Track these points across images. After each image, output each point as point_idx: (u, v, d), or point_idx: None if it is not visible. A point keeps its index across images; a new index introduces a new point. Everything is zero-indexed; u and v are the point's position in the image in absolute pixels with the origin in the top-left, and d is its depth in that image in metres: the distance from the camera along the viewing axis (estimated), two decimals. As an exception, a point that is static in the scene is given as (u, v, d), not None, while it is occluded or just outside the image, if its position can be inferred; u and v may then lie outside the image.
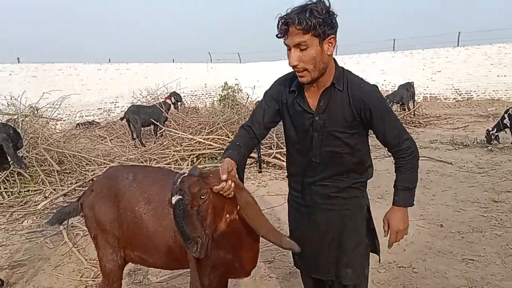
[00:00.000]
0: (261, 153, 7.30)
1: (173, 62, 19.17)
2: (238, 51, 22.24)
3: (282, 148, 7.86)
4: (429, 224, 4.48)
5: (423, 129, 10.96)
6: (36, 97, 10.47)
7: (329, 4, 1.72)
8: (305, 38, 1.70)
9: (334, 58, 1.86)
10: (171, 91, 11.94)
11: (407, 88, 13.38)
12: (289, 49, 1.77)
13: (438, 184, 5.92)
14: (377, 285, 3.28)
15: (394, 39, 18.96)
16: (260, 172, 7.12)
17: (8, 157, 3.89)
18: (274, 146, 8.01)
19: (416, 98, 14.42)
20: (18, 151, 4.04)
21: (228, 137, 8.25)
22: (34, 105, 9.98)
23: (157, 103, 10.98)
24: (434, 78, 17.60)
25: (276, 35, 1.79)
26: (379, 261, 2.34)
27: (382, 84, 18.41)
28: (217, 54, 21.95)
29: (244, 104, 11.23)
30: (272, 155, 7.68)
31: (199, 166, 2.60)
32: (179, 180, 1.70)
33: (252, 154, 7.62)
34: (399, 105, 12.90)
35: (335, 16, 1.74)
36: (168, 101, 11.02)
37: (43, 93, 10.37)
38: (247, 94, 11.31)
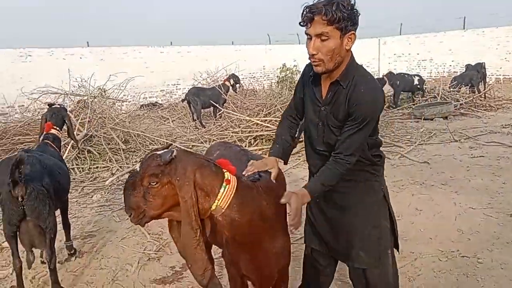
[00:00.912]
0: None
1: (232, 44, 19.32)
2: (297, 31, 21.84)
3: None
4: (497, 213, 4.22)
5: (494, 113, 10.26)
6: (103, 79, 11.04)
7: (354, 1, 1.78)
8: (327, 30, 1.75)
9: (352, 55, 1.90)
10: (230, 74, 12.06)
11: (478, 69, 12.55)
12: (309, 38, 1.82)
13: (510, 170, 5.55)
14: (437, 273, 3.18)
15: (464, 17, 17.79)
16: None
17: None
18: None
19: (487, 79, 13.51)
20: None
21: (286, 119, 8.24)
22: (102, 86, 10.54)
23: (216, 85, 11.16)
24: (509, 58, 16.35)
25: (299, 23, 1.83)
26: (398, 251, 2.27)
27: (450, 65, 17.42)
28: (275, 36, 21.72)
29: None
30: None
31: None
32: (149, 155, 1.72)
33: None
34: (468, 87, 12.13)
35: (358, 14, 1.79)
36: (227, 83, 11.16)
37: (110, 75, 10.91)
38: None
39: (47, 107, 4.03)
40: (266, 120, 8.38)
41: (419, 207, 4.52)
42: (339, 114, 1.89)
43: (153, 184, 1.65)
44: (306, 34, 1.82)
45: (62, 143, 4.63)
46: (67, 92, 9.80)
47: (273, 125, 8.24)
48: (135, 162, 7.21)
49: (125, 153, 7.55)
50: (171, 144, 4.46)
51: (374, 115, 1.87)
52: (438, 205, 4.56)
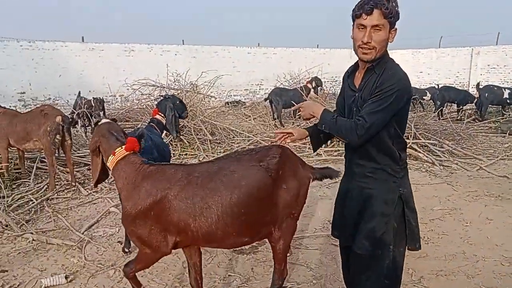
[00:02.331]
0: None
1: (317, 47, 19.62)
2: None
3: (419, 139, 7.77)
4: None
5: None
6: (194, 75, 11.98)
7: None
8: (382, 22, 1.97)
9: (386, 49, 2.10)
10: (312, 76, 12.43)
11: None
12: (362, 28, 2.01)
13: None
14: (497, 275, 3.34)
15: None
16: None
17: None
18: (411, 136, 7.95)
19: None
20: (180, 121, 4.69)
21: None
22: (194, 82, 11.46)
23: (298, 87, 11.59)
24: None
25: (355, 14, 2.02)
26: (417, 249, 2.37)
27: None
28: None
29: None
30: (408, 145, 7.64)
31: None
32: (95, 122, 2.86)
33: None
34: None
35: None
36: (309, 85, 11.54)
37: (202, 72, 11.81)
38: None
39: (160, 97, 4.70)
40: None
41: (490, 217, 4.59)
42: (368, 96, 2.07)
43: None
44: (360, 24, 2.00)
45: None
46: (163, 85, 10.82)
47: (351, 128, 8.48)
48: (219, 152, 7.90)
49: (211, 144, 8.27)
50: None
51: (398, 93, 2.01)
52: (511, 217, 4.59)
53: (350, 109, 2.22)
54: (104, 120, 2.83)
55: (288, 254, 2.83)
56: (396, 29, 2.06)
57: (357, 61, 2.21)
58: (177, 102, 4.60)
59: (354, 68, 2.27)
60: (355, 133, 2.02)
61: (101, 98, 9.46)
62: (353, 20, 2.06)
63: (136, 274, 2.72)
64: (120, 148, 2.58)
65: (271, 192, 2.44)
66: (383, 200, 2.17)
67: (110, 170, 2.63)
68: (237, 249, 3.88)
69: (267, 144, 2.84)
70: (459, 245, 3.93)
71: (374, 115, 1.99)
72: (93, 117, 8.88)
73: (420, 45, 20.54)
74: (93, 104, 9.09)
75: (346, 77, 2.31)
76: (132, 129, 5.31)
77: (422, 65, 20.02)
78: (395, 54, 21.36)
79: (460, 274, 3.37)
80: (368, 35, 1.99)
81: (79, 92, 10.09)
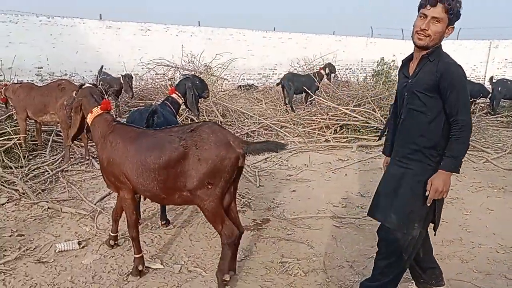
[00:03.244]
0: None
1: (333, 34, 19.50)
2: (402, 26, 21.26)
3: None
4: None
5: None
6: (209, 57, 12.07)
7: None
8: (442, 16, 2.22)
9: (440, 43, 2.33)
10: (326, 62, 12.42)
11: None
12: (423, 17, 2.26)
13: None
14: (490, 261, 3.44)
15: None
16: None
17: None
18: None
19: None
20: (201, 100, 4.70)
21: (375, 112, 8.50)
22: (208, 64, 11.57)
23: (311, 73, 11.62)
24: None
25: (421, 4, 2.28)
26: (435, 235, 2.63)
27: None
28: (379, 29, 21.44)
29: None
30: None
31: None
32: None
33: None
34: None
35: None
36: (322, 71, 11.55)
37: (216, 54, 11.90)
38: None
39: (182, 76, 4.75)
40: (355, 110, 8.71)
41: (490, 207, 4.68)
42: (423, 82, 2.31)
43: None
44: (422, 13, 2.26)
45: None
46: (178, 66, 10.95)
47: (361, 116, 8.56)
48: (229, 134, 8.02)
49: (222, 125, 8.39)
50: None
51: (460, 76, 2.25)
52: (511, 208, 4.67)
53: (401, 94, 2.50)
54: (87, 84, 3.41)
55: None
56: (453, 27, 2.31)
57: (412, 52, 2.46)
58: (197, 82, 4.62)
59: (409, 58, 2.51)
60: (469, 135, 2.27)
61: (129, 74, 9.53)
62: (418, 10, 2.31)
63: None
64: (96, 107, 3.17)
65: (181, 160, 2.70)
66: (417, 180, 2.40)
67: (88, 125, 3.25)
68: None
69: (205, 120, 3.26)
70: (457, 232, 4.04)
71: (464, 108, 2.23)
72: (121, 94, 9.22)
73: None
74: (122, 81, 9.22)
75: (401, 66, 2.58)
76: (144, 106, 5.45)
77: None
78: (411, 44, 21.08)
79: (455, 259, 3.49)
80: (426, 24, 2.25)
81: (102, 67, 10.16)
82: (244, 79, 16.51)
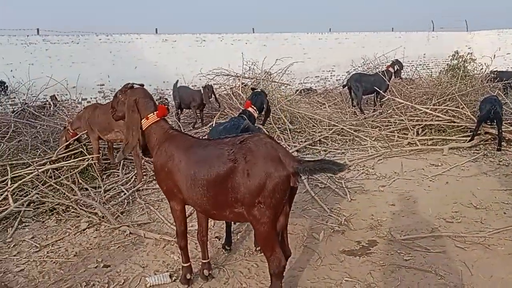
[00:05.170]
0: (502, 129, 6.55)
1: (392, 31, 18.54)
2: (466, 17, 19.88)
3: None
4: None
5: None
6: (266, 63, 11.64)
7: None
8: None
9: None
10: (392, 60, 11.62)
11: None
12: None
13: None
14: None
15: None
16: (499, 150, 6.43)
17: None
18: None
19: None
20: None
21: (460, 109, 7.68)
22: (268, 70, 11.14)
23: (379, 72, 10.89)
24: None
25: None
26: None
27: None
28: (441, 22, 20.18)
29: (478, 75, 10.14)
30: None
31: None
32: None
33: (490, 130, 6.94)
34: None
35: None
36: (390, 69, 10.77)
37: (276, 59, 11.44)
38: (484, 64, 10.13)
39: (251, 90, 4.56)
40: (436, 109, 7.93)
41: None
42: None
43: (120, 97, 3.14)
44: None
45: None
46: (238, 75, 10.61)
47: (444, 114, 7.76)
48: (300, 141, 7.53)
49: (291, 133, 7.92)
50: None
51: None
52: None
53: None
54: (136, 85, 3.13)
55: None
56: None
57: None
58: (267, 96, 4.59)
59: None
60: None
61: (210, 84, 9.34)
62: None
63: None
64: (152, 114, 2.97)
65: (230, 175, 2.51)
66: None
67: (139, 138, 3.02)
68: (346, 250, 3.52)
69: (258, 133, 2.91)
70: None
71: None
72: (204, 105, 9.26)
73: (508, 24, 18.81)
74: (203, 93, 9.02)
75: None
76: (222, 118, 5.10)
77: (510, 46, 18.24)
78: (477, 36, 19.70)
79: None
80: None
81: (177, 81, 9.99)
82: (302, 83, 15.96)
